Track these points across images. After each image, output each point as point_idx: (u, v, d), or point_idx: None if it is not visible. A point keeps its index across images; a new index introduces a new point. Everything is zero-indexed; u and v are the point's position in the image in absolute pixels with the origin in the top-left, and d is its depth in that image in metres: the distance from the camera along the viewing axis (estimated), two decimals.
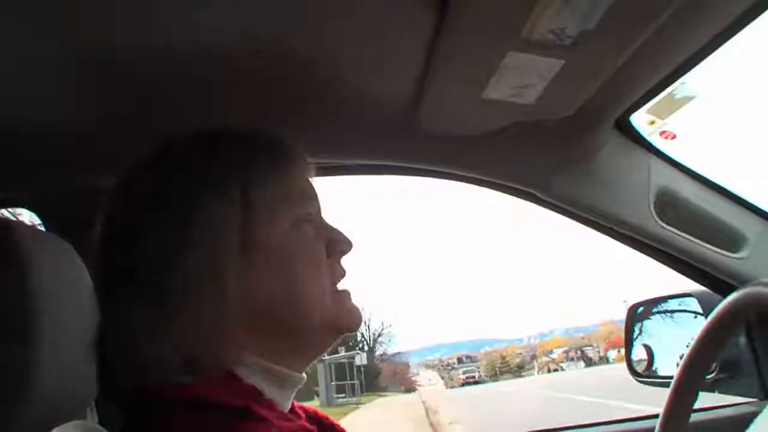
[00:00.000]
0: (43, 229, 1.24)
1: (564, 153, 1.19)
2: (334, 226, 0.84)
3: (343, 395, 32.14)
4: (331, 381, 30.29)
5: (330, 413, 0.93)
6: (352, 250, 0.84)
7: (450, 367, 71.20)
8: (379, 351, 47.92)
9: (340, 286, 0.83)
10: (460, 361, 73.59)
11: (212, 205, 0.73)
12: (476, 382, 51.60)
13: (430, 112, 1.07)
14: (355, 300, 0.83)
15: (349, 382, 33.89)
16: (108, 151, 1.11)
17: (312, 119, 1.05)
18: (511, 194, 1.26)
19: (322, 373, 28.46)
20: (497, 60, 0.91)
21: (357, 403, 29.26)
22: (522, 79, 0.96)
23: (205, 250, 0.71)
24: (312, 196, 0.83)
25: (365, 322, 45.08)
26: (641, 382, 1.47)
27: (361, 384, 37.45)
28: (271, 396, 0.75)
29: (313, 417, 0.87)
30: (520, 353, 70.53)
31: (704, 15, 0.89)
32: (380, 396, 38.01)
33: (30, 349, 0.72)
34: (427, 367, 73.61)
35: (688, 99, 1.20)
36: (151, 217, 0.73)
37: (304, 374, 0.81)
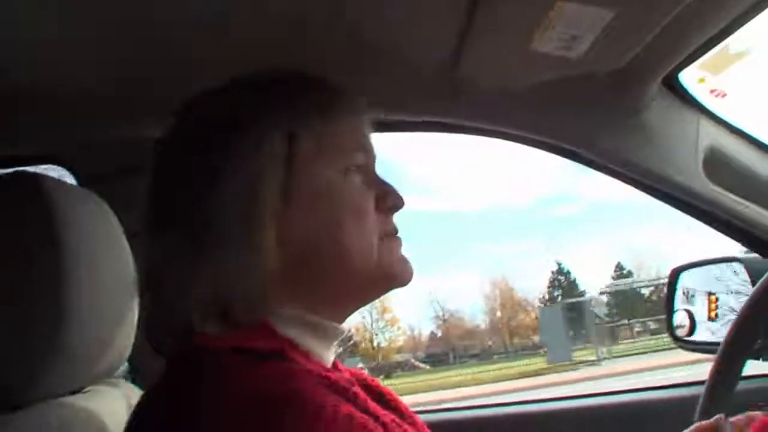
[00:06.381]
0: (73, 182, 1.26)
1: (610, 110, 1.17)
2: (388, 181, 0.83)
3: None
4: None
5: None
6: (404, 206, 0.83)
7: None
8: None
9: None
10: None
11: (250, 154, 0.74)
12: None
13: (473, 66, 1.05)
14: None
15: None
16: (144, 105, 1.13)
17: (352, 74, 1.04)
18: (554, 153, 1.23)
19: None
20: (545, 10, 0.89)
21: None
22: (570, 31, 0.94)
23: (241, 199, 0.72)
24: (362, 147, 0.82)
25: None
26: (682, 347, 1.45)
27: None
28: (310, 348, 0.75)
29: (359, 378, 0.86)
30: None
31: None
32: None
33: (59, 302, 0.74)
34: None
35: (743, 54, 1.16)
36: (189, 165, 0.75)
37: (345, 326, 0.81)
